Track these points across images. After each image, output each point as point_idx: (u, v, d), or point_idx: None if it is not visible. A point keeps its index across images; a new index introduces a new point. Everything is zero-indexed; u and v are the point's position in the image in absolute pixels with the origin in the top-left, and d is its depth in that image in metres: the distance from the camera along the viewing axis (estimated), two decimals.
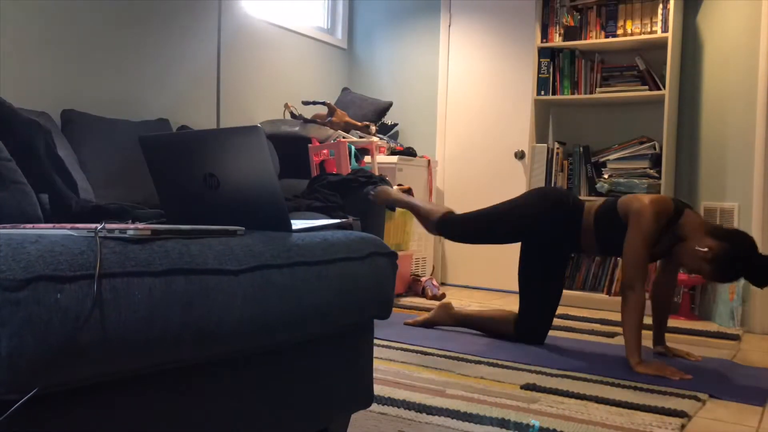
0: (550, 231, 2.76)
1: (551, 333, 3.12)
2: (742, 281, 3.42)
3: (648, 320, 3.00)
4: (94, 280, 0.88)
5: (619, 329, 3.30)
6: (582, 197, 4.05)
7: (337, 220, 1.55)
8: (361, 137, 4.29)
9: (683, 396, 2.16)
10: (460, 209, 4.81)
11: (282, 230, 1.33)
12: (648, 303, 3.02)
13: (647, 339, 2.74)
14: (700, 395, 2.17)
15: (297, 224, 1.41)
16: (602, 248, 2.72)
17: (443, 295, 4.10)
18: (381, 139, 4.56)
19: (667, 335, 3.19)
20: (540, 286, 2.82)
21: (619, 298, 3.89)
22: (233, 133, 1.27)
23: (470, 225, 2.89)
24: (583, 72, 4.09)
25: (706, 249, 2.42)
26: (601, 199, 2.80)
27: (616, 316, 3.68)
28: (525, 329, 2.85)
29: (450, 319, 3.13)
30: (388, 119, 4.88)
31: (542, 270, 2.82)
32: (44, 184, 1.68)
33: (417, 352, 2.68)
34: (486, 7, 4.76)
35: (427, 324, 3.16)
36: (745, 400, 2.16)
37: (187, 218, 1.42)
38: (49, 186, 1.68)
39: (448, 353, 2.66)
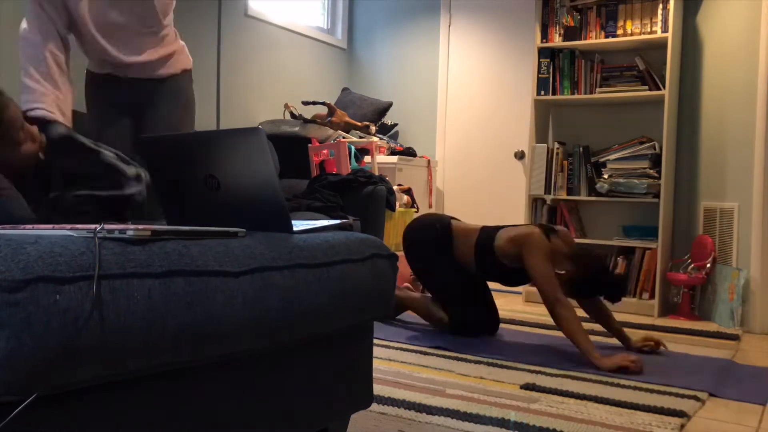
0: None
1: (551, 333, 3.12)
2: (742, 281, 3.42)
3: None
4: (94, 281, 0.88)
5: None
6: (582, 197, 4.06)
7: (338, 221, 1.54)
8: (361, 137, 4.29)
9: (683, 396, 2.16)
10: (460, 209, 4.84)
11: (283, 231, 1.33)
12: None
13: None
14: (700, 395, 2.17)
15: (297, 225, 1.41)
16: (482, 274, 3.02)
17: None
18: (381, 139, 4.56)
19: (667, 335, 3.19)
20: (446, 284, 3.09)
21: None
22: (234, 134, 1.27)
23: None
24: (583, 72, 4.09)
25: (563, 271, 2.75)
26: (476, 225, 3.09)
27: (616, 317, 3.67)
28: (458, 322, 3.01)
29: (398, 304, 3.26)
30: (388, 119, 4.88)
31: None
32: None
33: (417, 352, 2.68)
34: (486, 7, 4.76)
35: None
36: (744, 398, 2.16)
37: (187, 219, 1.42)
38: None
39: (447, 353, 2.66)
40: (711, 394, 2.20)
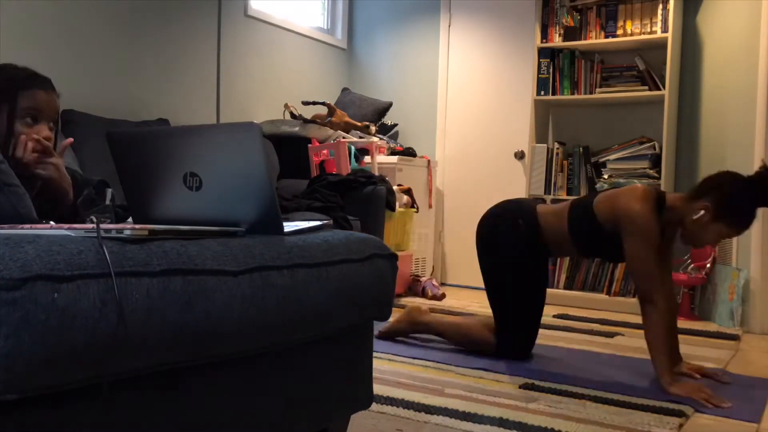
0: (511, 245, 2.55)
1: (551, 333, 3.12)
2: (742, 281, 3.42)
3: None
4: (113, 278, 0.88)
5: (619, 329, 3.29)
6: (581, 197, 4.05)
7: (318, 222, 1.49)
8: (361, 137, 4.28)
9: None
10: (459, 209, 4.84)
11: (273, 233, 1.28)
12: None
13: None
14: None
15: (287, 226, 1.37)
16: (584, 253, 2.52)
17: (443, 295, 4.10)
18: (381, 139, 4.55)
19: None
20: (521, 299, 2.58)
21: (619, 299, 3.89)
22: (225, 129, 1.21)
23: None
24: (582, 72, 4.09)
25: (701, 212, 2.21)
26: (565, 201, 2.58)
27: (616, 316, 3.68)
28: (508, 345, 2.58)
29: (420, 327, 2.80)
30: (388, 119, 4.88)
31: (522, 283, 2.58)
32: None
33: (416, 349, 2.67)
34: (486, 7, 4.76)
35: (390, 334, 2.84)
36: (735, 416, 2.01)
37: (157, 221, 1.32)
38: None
39: (446, 353, 2.65)
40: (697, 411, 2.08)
